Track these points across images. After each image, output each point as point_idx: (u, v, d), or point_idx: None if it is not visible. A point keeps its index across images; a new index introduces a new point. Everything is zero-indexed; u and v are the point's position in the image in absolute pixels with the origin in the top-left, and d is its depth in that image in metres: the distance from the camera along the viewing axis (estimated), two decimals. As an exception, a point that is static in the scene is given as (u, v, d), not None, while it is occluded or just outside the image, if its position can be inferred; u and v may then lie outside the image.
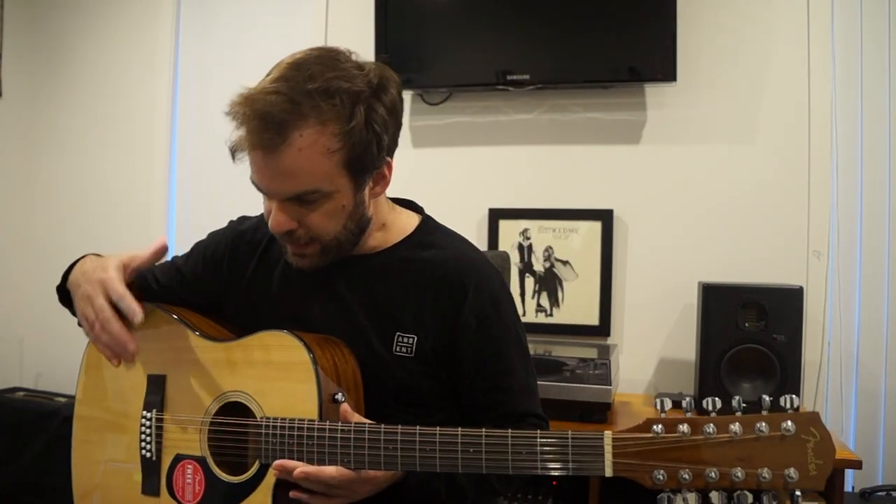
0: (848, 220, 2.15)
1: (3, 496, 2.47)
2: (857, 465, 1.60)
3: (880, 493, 1.86)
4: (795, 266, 2.14)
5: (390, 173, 1.15)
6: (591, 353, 1.97)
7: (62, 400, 2.50)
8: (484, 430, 0.97)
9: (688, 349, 2.17)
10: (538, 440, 0.94)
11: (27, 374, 2.87)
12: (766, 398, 0.86)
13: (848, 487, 1.96)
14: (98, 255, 1.24)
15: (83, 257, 1.24)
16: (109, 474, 1.22)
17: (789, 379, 1.86)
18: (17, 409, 2.51)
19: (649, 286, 2.27)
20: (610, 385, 1.81)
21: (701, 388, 1.93)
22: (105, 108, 2.80)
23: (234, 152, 1.07)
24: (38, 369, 2.85)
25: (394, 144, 1.14)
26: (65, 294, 1.25)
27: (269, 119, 1.00)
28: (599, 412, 1.83)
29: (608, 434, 0.89)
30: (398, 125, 1.13)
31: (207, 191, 2.69)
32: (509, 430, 0.96)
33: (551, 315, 2.32)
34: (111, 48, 2.79)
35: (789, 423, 0.83)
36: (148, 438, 1.18)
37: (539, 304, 2.33)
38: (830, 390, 2.14)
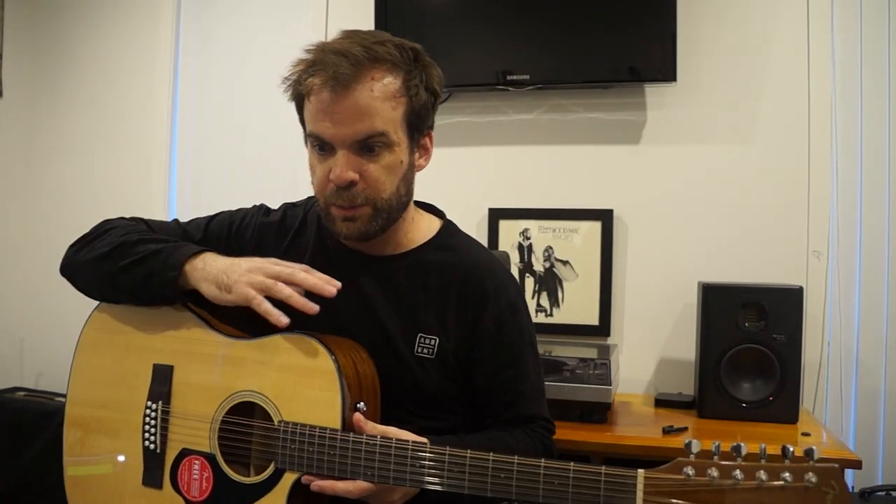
0: (848, 220, 2.15)
1: (3, 496, 2.47)
2: (857, 465, 1.59)
3: (880, 493, 1.86)
4: (795, 266, 2.14)
5: (431, 146, 1.20)
6: (591, 353, 1.97)
7: (63, 400, 2.49)
8: (516, 457, 0.97)
9: (688, 349, 2.17)
10: (571, 473, 0.94)
11: (27, 374, 2.87)
12: (790, 448, 0.89)
13: (848, 487, 1.96)
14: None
15: (201, 252, 1.16)
16: (106, 462, 1.21)
17: (789, 379, 1.86)
18: (17, 409, 2.51)
19: (649, 286, 2.27)
20: (610, 385, 1.80)
21: (701, 388, 1.93)
22: (105, 108, 2.80)
23: (303, 96, 1.11)
24: (38, 369, 2.85)
25: (433, 120, 1.19)
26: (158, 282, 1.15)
27: (349, 55, 1.06)
28: (599, 412, 1.83)
29: (641, 473, 0.92)
30: (437, 103, 1.18)
31: (208, 190, 2.70)
32: (542, 460, 0.96)
33: (551, 315, 2.32)
34: (112, 48, 2.79)
35: (811, 474, 0.87)
36: (152, 430, 1.18)
37: (539, 304, 2.33)
38: (830, 390, 2.14)
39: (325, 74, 1.05)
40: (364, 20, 2.34)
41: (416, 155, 1.17)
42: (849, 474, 1.96)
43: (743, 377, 1.90)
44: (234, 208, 1.35)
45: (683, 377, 2.20)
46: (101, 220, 1.31)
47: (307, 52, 1.10)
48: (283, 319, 1.08)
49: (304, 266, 1.12)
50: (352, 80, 1.05)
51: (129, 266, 1.17)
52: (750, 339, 1.88)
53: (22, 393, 2.64)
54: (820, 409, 2.11)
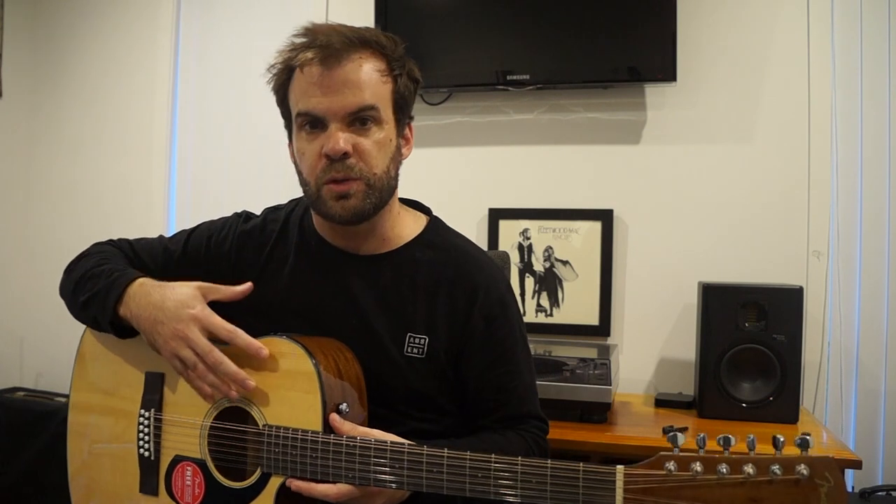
0: (848, 220, 2.15)
1: (3, 496, 2.47)
2: (857, 465, 1.59)
3: (880, 493, 1.86)
4: (795, 266, 2.14)
5: (412, 138, 1.21)
6: (591, 353, 1.97)
7: (62, 400, 2.50)
8: (493, 456, 0.96)
9: (688, 349, 2.17)
10: (549, 471, 0.93)
11: (27, 374, 2.87)
12: (780, 438, 0.84)
13: (848, 487, 1.96)
14: (149, 279, 1.16)
15: (133, 280, 1.15)
16: (106, 470, 1.22)
17: (789, 379, 1.86)
18: (17, 409, 2.51)
19: (649, 286, 2.27)
20: (610, 385, 1.80)
21: (701, 388, 1.93)
22: (105, 108, 2.80)
23: (291, 75, 1.14)
24: (38, 369, 2.85)
25: (412, 112, 1.21)
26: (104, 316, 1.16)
27: (339, 34, 1.10)
28: (599, 412, 1.83)
29: (620, 469, 0.88)
30: (416, 93, 1.20)
31: (208, 190, 2.69)
32: (519, 458, 0.95)
33: (551, 315, 2.32)
34: (111, 48, 2.79)
35: (803, 466, 0.82)
36: (146, 437, 1.18)
37: (539, 304, 2.33)
38: (830, 390, 2.14)
39: (317, 48, 1.09)
40: (364, 20, 2.34)
41: (402, 141, 1.18)
42: (849, 474, 1.96)
43: (743, 377, 1.89)
44: (232, 209, 1.34)
45: (683, 377, 2.20)
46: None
47: (296, 36, 1.14)
48: (210, 401, 1.12)
49: (231, 331, 1.08)
50: (342, 54, 1.09)
51: (82, 307, 1.20)
52: (750, 339, 1.88)
53: (22, 393, 2.65)
54: (820, 410, 2.11)
